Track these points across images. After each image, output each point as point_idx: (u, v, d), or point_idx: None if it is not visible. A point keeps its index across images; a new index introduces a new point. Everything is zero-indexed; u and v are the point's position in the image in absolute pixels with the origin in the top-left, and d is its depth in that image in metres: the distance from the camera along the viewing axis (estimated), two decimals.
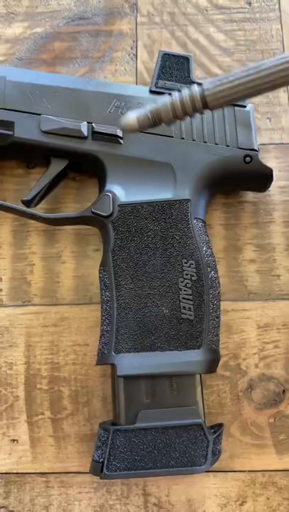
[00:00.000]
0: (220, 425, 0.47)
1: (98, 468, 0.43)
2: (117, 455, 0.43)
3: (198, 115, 0.49)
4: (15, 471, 0.49)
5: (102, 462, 0.43)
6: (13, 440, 0.50)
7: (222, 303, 0.50)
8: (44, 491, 0.49)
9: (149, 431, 0.43)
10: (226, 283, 0.52)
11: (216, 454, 0.44)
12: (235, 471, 0.48)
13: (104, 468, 0.43)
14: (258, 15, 0.59)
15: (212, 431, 0.45)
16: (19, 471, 0.49)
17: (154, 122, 0.38)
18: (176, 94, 0.37)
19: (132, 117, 0.37)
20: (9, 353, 0.51)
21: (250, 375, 0.50)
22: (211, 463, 0.43)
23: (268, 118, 0.56)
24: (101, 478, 0.43)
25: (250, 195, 0.54)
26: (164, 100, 0.37)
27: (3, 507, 0.48)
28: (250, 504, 0.48)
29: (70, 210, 0.54)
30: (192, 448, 0.43)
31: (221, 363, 0.49)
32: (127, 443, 0.43)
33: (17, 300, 0.52)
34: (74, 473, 0.49)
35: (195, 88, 0.36)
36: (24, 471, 0.49)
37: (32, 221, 0.53)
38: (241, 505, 0.48)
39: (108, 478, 0.43)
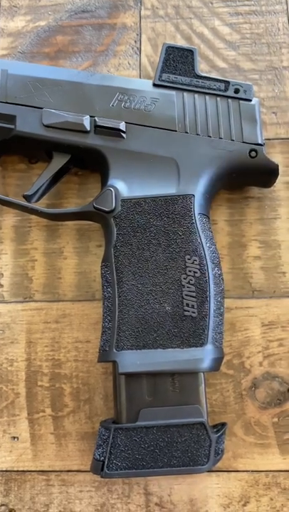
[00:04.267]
0: (223, 424, 0.46)
1: (99, 467, 0.42)
2: (118, 454, 0.42)
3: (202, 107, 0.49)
4: (15, 469, 0.48)
5: (103, 461, 0.42)
6: (14, 437, 0.49)
7: (226, 300, 0.49)
8: (45, 489, 0.48)
9: (150, 429, 0.42)
10: (230, 280, 0.51)
11: (219, 453, 0.43)
12: (238, 471, 0.48)
13: (105, 467, 0.42)
14: (264, 7, 0.59)
15: (215, 430, 0.44)
16: (20, 469, 0.48)
17: None
18: None
19: None
20: (10, 349, 0.51)
21: (254, 373, 0.49)
22: (214, 462, 0.43)
23: (274, 112, 0.55)
24: (102, 477, 0.42)
25: (255, 191, 0.53)
26: None
27: (3, 505, 0.48)
28: (253, 505, 0.47)
29: (72, 205, 0.53)
30: (194, 447, 0.42)
31: (224, 361, 0.49)
32: (128, 442, 0.42)
33: (18, 296, 0.52)
34: (75, 472, 0.48)
35: None
36: (25, 468, 0.48)
37: (34, 216, 0.53)
38: (244, 505, 0.47)
39: (109, 477, 0.42)
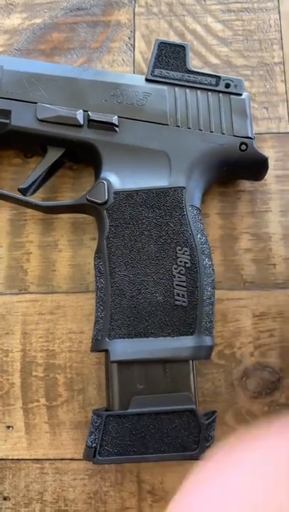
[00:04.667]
0: (213, 412, 0.47)
1: (91, 454, 0.43)
2: (110, 440, 0.43)
3: (194, 101, 0.49)
4: (10, 457, 0.49)
5: (95, 447, 0.43)
6: (9, 427, 0.50)
7: (217, 292, 0.50)
8: (39, 477, 0.49)
9: (141, 416, 0.43)
10: (222, 272, 0.52)
11: (209, 440, 0.44)
12: None
13: (97, 454, 0.43)
14: (256, 5, 0.59)
15: (205, 417, 0.45)
16: (14, 457, 0.49)
17: None
18: None
19: None
20: (5, 340, 0.51)
21: (245, 363, 0.50)
22: (204, 449, 0.43)
23: (265, 107, 0.56)
24: (93, 463, 0.43)
25: (246, 185, 0.54)
26: None
27: None
28: None
29: (66, 199, 0.54)
30: (184, 434, 0.43)
31: (216, 351, 0.50)
32: (120, 428, 0.43)
33: (13, 288, 0.53)
34: (68, 460, 0.49)
35: None
36: (19, 457, 0.49)
37: (29, 210, 0.53)
38: None
39: (100, 463, 0.43)
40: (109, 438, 0.43)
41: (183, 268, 0.45)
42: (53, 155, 0.50)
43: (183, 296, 0.45)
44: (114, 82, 0.50)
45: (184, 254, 0.46)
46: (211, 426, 0.45)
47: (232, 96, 0.50)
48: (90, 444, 0.43)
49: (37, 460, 0.49)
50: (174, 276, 0.45)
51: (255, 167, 0.50)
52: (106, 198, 0.47)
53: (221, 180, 0.53)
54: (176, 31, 0.59)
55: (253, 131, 0.50)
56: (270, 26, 0.58)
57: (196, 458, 0.44)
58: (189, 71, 0.50)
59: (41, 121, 0.49)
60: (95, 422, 0.44)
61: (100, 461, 0.43)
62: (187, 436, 0.43)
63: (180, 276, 0.45)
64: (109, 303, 0.45)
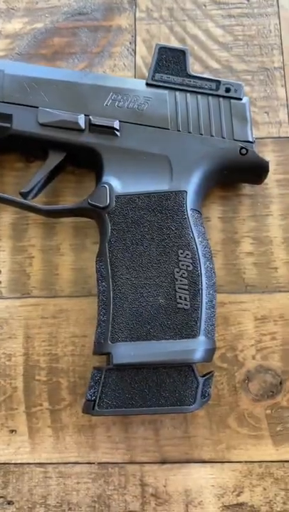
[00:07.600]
0: (210, 372, 0.47)
1: (90, 406, 0.44)
2: (109, 393, 0.44)
3: (194, 105, 0.50)
4: (13, 462, 0.49)
5: (94, 400, 0.44)
6: (12, 431, 0.50)
7: (219, 295, 0.50)
8: (42, 481, 0.49)
9: (140, 370, 0.44)
10: (224, 275, 0.52)
11: (206, 396, 0.45)
12: (232, 462, 0.49)
13: (96, 406, 0.44)
14: (256, 10, 0.60)
15: (203, 374, 0.46)
16: (18, 462, 0.49)
17: None
18: None
19: None
20: (8, 344, 0.52)
21: (247, 366, 0.50)
22: (200, 404, 0.44)
23: (266, 112, 0.56)
24: (92, 415, 0.44)
25: (247, 189, 0.54)
26: None
27: (1, 497, 0.49)
28: (247, 495, 0.48)
29: (68, 203, 0.54)
30: (182, 388, 0.44)
31: (218, 354, 0.50)
32: (119, 381, 0.44)
33: (16, 292, 0.53)
34: (72, 464, 0.49)
35: None
36: (23, 461, 0.49)
37: (31, 214, 0.54)
38: (238, 495, 0.48)
39: (99, 414, 0.44)
40: (109, 390, 0.44)
41: (185, 271, 0.45)
42: (55, 159, 0.51)
43: (185, 299, 0.45)
44: (115, 86, 0.50)
45: (185, 257, 0.46)
46: (208, 382, 0.46)
47: (232, 100, 0.50)
48: (90, 397, 0.44)
49: (40, 464, 0.49)
50: (176, 279, 0.45)
51: (256, 171, 0.50)
52: (108, 202, 0.47)
53: (222, 184, 0.53)
54: (177, 36, 0.59)
55: (253, 136, 0.51)
56: (270, 31, 0.59)
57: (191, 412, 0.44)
58: (189, 75, 0.51)
59: (43, 125, 0.50)
60: (95, 376, 0.45)
61: (98, 413, 0.44)
62: (185, 391, 0.44)
63: (182, 279, 0.45)
64: (112, 306, 0.45)
